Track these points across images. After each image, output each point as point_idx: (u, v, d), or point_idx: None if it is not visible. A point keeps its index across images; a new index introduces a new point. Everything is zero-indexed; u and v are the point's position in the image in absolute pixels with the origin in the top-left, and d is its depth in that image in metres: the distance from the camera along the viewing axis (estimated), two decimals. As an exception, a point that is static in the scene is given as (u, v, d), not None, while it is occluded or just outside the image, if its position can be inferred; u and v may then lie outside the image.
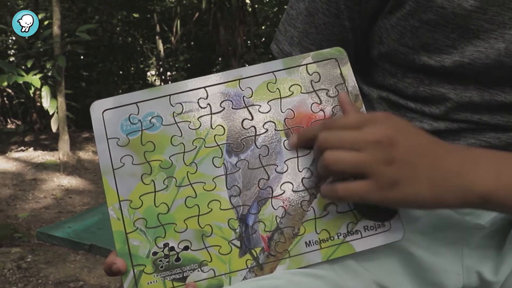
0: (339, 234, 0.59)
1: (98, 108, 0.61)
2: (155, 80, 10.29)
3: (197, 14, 8.87)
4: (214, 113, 0.61)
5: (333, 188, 0.55)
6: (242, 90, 0.62)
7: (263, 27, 9.69)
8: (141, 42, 9.66)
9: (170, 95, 0.62)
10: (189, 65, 9.47)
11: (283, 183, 0.60)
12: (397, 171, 0.52)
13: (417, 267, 0.64)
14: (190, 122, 0.61)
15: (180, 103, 0.61)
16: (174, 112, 0.61)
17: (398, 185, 0.52)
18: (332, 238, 0.59)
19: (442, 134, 0.66)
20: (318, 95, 0.62)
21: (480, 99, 0.63)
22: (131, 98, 0.61)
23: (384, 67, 0.70)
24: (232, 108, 0.62)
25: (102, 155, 0.59)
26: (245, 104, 0.62)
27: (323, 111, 0.62)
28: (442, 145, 0.56)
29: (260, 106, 0.62)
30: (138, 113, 0.61)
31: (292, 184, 0.60)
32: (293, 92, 0.62)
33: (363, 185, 0.53)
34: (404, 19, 0.63)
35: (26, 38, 5.97)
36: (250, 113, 0.62)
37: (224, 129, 0.61)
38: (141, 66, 9.95)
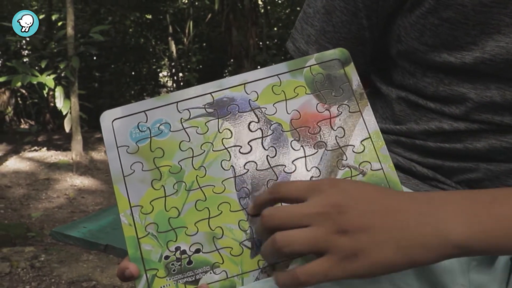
0: None
1: (108, 118, 0.62)
2: (167, 81, 10.34)
3: (209, 15, 8.91)
4: (221, 117, 0.62)
5: (293, 275, 0.49)
6: (248, 94, 0.63)
7: (275, 29, 9.71)
8: (153, 43, 9.71)
9: (177, 102, 0.62)
10: (201, 66, 9.52)
11: None
12: (353, 240, 0.47)
13: (429, 273, 0.63)
14: (198, 127, 0.62)
15: (188, 109, 0.62)
16: (181, 118, 0.62)
17: (360, 256, 0.47)
18: None
19: (462, 135, 0.64)
20: (323, 95, 0.63)
21: (502, 99, 0.61)
22: (140, 107, 0.62)
23: (403, 66, 0.69)
24: (238, 111, 0.62)
25: (113, 163, 0.60)
26: (251, 107, 0.63)
27: (329, 110, 0.62)
28: (399, 197, 0.50)
29: (266, 108, 0.63)
30: (147, 121, 0.62)
31: None
32: (298, 94, 0.63)
33: (323, 264, 0.48)
34: (423, 17, 0.62)
35: (40, 38, 6.02)
36: (256, 115, 0.62)
37: (232, 133, 0.62)
38: (153, 67, 10.00)
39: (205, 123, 0.62)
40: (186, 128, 0.61)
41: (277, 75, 0.64)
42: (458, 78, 0.64)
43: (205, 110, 0.62)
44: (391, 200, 0.50)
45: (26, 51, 7.95)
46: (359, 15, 0.68)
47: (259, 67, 7.37)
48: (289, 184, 0.54)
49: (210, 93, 0.63)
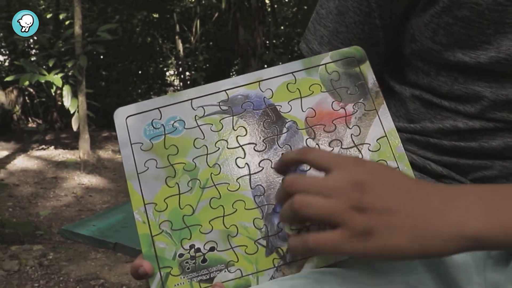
0: None
1: (122, 115, 0.62)
2: (174, 80, 10.35)
3: (216, 14, 8.91)
4: (235, 115, 0.62)
5: (304, 239, 0.50)
6: (263, 91, 0.63)
7: (282, 27, 9.70)
8: (160, 42, 9.73)
9: (191, 99, 0.62)
10: (208, 65, 9.53)
11: None
12: (370, 219, 0.47)
13: (444, 272, 0.62)
14: (212, 124, 0.61)
15: (202, 107, 0.62)
16: (196, 115, 0.62)
17: (373, 236, 0.47)
18: None
19: (478, 133, 0.64)
20: (338, 93, 0.62)
21: None
22: (154, 104, 0.62)
23: (417, 65, 0.68)
24: (253, 109, 0.62)
25: (127, 160, 0.60)
26: (266, 105, 0.62)
27: (344, 108, 0.62)
28: (422, 186, 0.50)
29: (281, 106, 0.62)
30: (161, 118, 0.62)
31: None
32: (313, 92, 0.63)
33: (335, 235, 0.48)
34: (437, 16, 0.62)
35: (48, 37, 6.04)
36: (271, 113, 0.62)
37: (246, 130, 0.61)
38: (160, 66, 10.02)
39: (220, 120, 0.61)
40: (201, 125, 0.61)
41: (292, 72, 0.63)
42: (473, 77, 0.63)
43: (220, 108, 0.62)
44: (414, 187, 0.50)
45: (34, 50, 7.99)
46: (372, 15, 0.68)
47: (266, 66, 7.37)
48: (318, 152, 0.53)
49: (225, 90, 0.62)
